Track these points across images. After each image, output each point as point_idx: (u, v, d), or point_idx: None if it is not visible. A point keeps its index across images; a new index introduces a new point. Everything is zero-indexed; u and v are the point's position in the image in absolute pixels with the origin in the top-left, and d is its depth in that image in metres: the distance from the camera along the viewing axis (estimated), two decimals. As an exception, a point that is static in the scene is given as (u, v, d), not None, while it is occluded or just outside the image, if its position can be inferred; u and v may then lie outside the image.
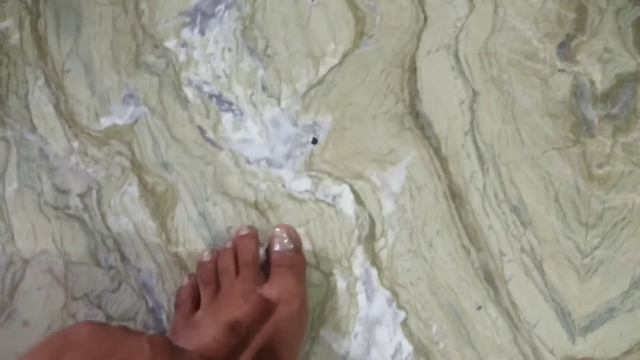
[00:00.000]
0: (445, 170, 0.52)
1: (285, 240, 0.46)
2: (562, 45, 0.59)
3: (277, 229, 0.47)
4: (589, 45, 0.60)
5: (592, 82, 0.56)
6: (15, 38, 0.53)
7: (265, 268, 0.46)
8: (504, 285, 0.49)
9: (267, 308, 0.35)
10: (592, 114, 0.55)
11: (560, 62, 0.58)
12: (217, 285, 0.44)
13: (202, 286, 0.44)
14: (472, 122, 0.54)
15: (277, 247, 0.46)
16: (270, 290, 0.43)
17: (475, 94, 0.55)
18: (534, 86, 0.57)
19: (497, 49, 0.58)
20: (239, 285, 0.43)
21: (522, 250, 0.50)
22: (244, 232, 0.46)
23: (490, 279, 0.49)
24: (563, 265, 0.50)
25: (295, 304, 0.43)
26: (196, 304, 0.44)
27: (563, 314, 0.49)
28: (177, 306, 0.45)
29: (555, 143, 0.55)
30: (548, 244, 0.51)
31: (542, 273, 0.50)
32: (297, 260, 0.46)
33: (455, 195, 0.51)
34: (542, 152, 0.54)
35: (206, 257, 0.45)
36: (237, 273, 0.44)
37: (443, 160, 0.52)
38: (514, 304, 0.49)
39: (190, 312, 0.44)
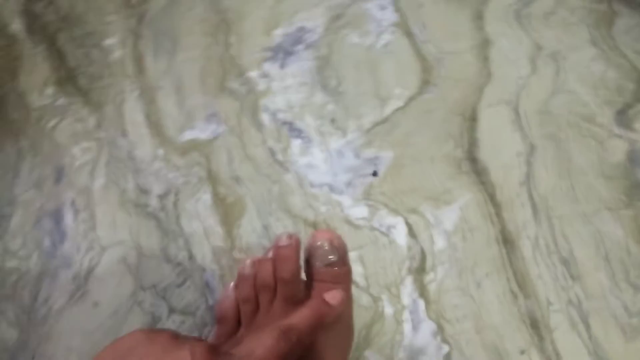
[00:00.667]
0: (499, 216, 0.54)
1: (327, 251, 0.41)
2: (620, 112, 0.62)
3: (318, 239, 0.41)
4: (647, 116, 0.62)
5: (649, 148, 0.58)
6: (117, 54, 0.59)
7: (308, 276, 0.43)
8: (549, 333, 0.49)
9: (320, 321, 0.33)
10: (648, 178, 0.56)
11: (617, 128, 0.60)
12: (257, 303, 0.41)
13: (241, 303, 0.42)
14: (528, 174, 0.56)
15: (318, 260, 0.41)
16: (325, 303, 0.38)
17: (532, 148, 0.58)
18: (590, 147, 0.59)
19: (556, 108, 0.61)
20: (277, 305, 0.40)
21: (569, 302, 0.51)
22: (283, 242, 0.40)
23: (535, 325, 0.50)
24: (609, 322, 0.50)
25: (337, 323, 0.40)
26: (237, 320, 0.42)
27: (607, 371, 0.49)
28: (218, 320, 0.43)
29: (608, 203, 0.56)
30: (595, 299, 0.51)
31: (588, 327, 0.50)
32: (340, 274, 0.41)
33: (507, 241, 0.53)
34: (595, 211, 0.55)
35: (247, 268, 0.41)
36: (275, 289, 0.40)
37: (497, 206, 0.54)
38: (557, 353, 0.49)
39: (232, 330, 0.42)
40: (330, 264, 0.40)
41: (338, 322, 0.40)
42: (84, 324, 0.47)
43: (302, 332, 0.32)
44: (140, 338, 0.30)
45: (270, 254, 0.41)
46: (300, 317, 0.33)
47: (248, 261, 0.42)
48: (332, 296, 0.38)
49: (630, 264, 0.53)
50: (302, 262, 0.41)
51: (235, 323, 0.42)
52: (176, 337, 0.31)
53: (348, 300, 0.42)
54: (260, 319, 0.40)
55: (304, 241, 0.41)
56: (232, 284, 0.43)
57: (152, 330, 0.32)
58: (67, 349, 0.46)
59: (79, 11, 0.60)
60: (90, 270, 0.49)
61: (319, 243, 0.41)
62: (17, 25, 0.59)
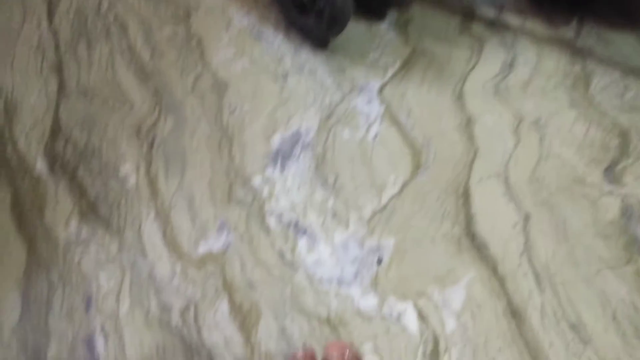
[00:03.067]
0: (504, 288, 0.56)
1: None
2: (608, 169, 0.64)
3: (331, 352, 0.42)
4: (635, 168, 0.64)
5: None
6: (132, 180, 0.65)
7: None
8: (569, 403, 0.50)
9: None
10: (642, 234, 0.58)
11: (608, 185, 0.63)
12: None
13: None
14: (526, 243, 0.59)
15: None
16: None
17: (527, 216, 0.60)
18: (584, 208, 0.61)
19: (545, 174, 0.64)
20: None
21: (584, 367, 0.52)
22: (299, 357, 0.42)
23: (553, 396, 0.51)
24: (628, 384, 0.51)
25: None
26: None
27: None
28: None
29: (609, 262, 0.58)
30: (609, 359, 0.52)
31: (607, 391, 0.51)
32: None
33: (514, 313, 0.55)
34: (596, 272, 0.57)
35: None
36: None
37: (501, 280, 0.57)
38: (580, 423, 0.50)
39: None
40: None
41: None
42: None
43: None
44: None
45: None
46: None
47: None
48: None
49: (638, 320, 0.54)
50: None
51: None
52: None
53: None
54: None
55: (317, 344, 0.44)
56: None
57: None
58: None
59: (94, 145, 0.67)
60: (123, 394, 0.52)
61: (332, 356, 0.42)
62: (40, 166, 0.65)
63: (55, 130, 0.69)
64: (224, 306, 0.56)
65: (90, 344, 0.54)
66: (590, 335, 0.54)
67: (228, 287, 0.57)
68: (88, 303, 0.56)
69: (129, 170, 0.65)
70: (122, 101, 0.72)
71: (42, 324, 0.56)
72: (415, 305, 0.56)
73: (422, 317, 0.55)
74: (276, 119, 0.69)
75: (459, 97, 0.70)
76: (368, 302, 0.56)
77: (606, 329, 0.54)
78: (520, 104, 0.69)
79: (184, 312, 0.55)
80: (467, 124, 0.68)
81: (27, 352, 0.54)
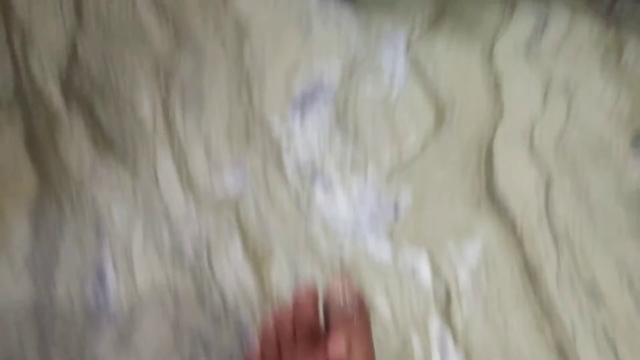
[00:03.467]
0: (521, 248, 0.55)
1: (342, 301, 0.42)
2: (635, 139, 0.63)
3: (333, 289, 0.43)
4: (663, 140, 0.63)
5: (665, 174, 0.59)
6: (149, 120, 0.64)
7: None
8: (579, 364, 0.50)
9: None
10: (666, 203, 0.57)
11: (634, 156, 0.62)
12: (280, 355, 0.42)
13: (267, 358, 0.43)
14: (546, 205, 0.58)
15: (333, 310, 0.42)
16: (332, 355, 0.40)
17: (549, 179, 0.59)
18: (608, 176, 0.60)
19: (571, 140, 0.62)
20: (299, 356, 0.41)
21: (596, 330, 0.52)
22: (302, 292, 0.42)
23: (563, 354, 0.51)
24: (637, 348, 0.51)
25: None
26: None
27: (640, 400, 0.49)
28: None
29: (629, 230, 0.57)
30: (622, 326, 0.52)
31: (616, 354, 0.50)
32: (354, 322, 0.41)
33: (530, 273, 0.54)
34: (615, 238, 0.56)
35: (270, 323, 0.43)
36: (296, 340, 0.42)
37: (518, 239, 0.56)
38: (588, 384, 0.49)
39: None
40: (345, 313, 0.41)
41: None
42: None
43: None
44: None
45: (290, 305, 0.43)
46: None
47: (270, 316, 0.44)
48: (332, 350, 0.38)
49: (656, 289, 0.54)
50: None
51: None
52: None
53: (368, 346, 0.42)
54: None
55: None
56: (258, 339, 0.46)
57: None
58: (116, 400, 0.49)
59: (112, 82, 0.65)
60: (133, 323, 0.52)
61: (334, 293, 0.42)
62: (56, 100, 0.64)
63: (73, 65, 0.68)
64: (237, 248, 0.55)
65: (101, 275, 0.54)
66: (605, 300, 0.53)
67: (242, 230, 0.56)
68: (100, 236, 0.56)
69: (146, 108, 0.64)
70: (141, 40, 0.70)
71: (53, 254, 0.56)
72: (430, 259, 0.55)
73: (435, 270, 0.55)
74: (298, 68, 0.67)
75: (488, 57, 0.68)
76: (382, 252, 0.56)
77: (621, 294, 0.53)
78: (550, 68, 0.68)
79: (197, 251, 0.55)
80: (495, 84, 0.66)
81: (37, 281, 0.54)
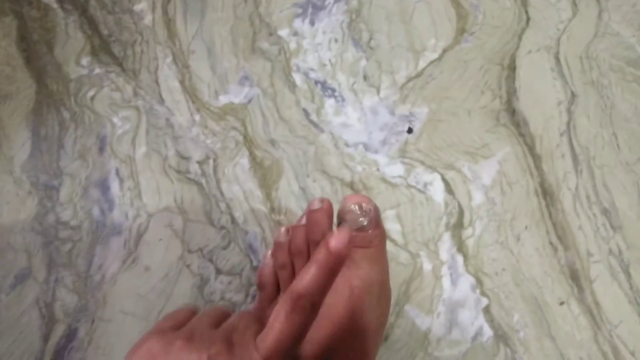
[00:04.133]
0: (538, 168, 0.53)
1: (358, 215, 0.40)
2: (668, 52, 0.59)
3: (349, 203, 0.41)
4: (698, 55, 0.59)
5: (699, 92, 0.56)
6: (148, 19, 0.59)
7: None
8: (589, 284, 0.50)
9: (328, 272, 0.31)
10: (696, 123, 0.54)
11: (665, 70, 0.58)
12: (293, 269, 0.42)
13: (278, 270, 0.43)
14: (568, 123, 0.55)
15: (349, 224, 0.40)
16: (345, 274, 0.39)
17: (573, 96, 0.56)
18: (634, 93, 0.57)
19: (598, 53, 0.58)
20: None
21: (610, 252, 0.51)
22: (315, 206, 0.40)
23: (575, 277, 0.50)
24: (652, 271, 0.50)
25: (373, 286, 0.39)
26: (277, 286, 0.43)
27: (648, 319, 0.49)
28: (259, 287, 0.44)
29: (653, 150, 0.54)
30: (637, 248, 0.51)
31: (629, 276, 0.50)
32: (372, 237, 0.40)
33: (546, 193, 0.53)
34: (637, 159, 0.54)
35: (282, 236, 0.43)
36: (309, 254, 0.41)
37: (537, 158, 0.54)
38: (597, 303, 0.49)
39: (273, 295, 0.43)
40: (362, 228, 0.40)
41: (376, 284, 0.40)
42: (137, 288, 0.50)
43: (314, 294, 0.30)
44: (155, 349, 0.31)
45: (303, 220, 0.42)
46: (308, 278, 0.31)
47: (282, 229, 0.43)
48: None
49: (674, 213, 0.52)
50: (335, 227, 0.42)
51: (274, 289, 0.43)
52: (191, 340, 0.31)
53: (383, 261, 0.42)
54: None
55: (338, 204, 0.42)
56: (269, 251, 0.44)
57: (166, 338, 0.32)
58: (123, 312, 0.49)
59: (106, -23, 0.60)
60: (139, 236, 0.51)
61: (349, 207, 0.40)
62: (47, -4, 0.59)
63: (62, -41, 0.62)
64: (244, 160, 0.53)
65: (104, 185, 0.52)
66: (621, 222, 0.52)
67: (249, 142, 0.54)
68: (102, 145, 0.53)
69: (145, 7, 0.59)
70: None
71: (53, 163, 0.53)
72: (443, 177, 0.53)
73: (449, 188, 0.53)
74: (309, -35, 0.61)
75: (517, -43, 0.62)
76: (394, 169, 0.53)
77: (638, 217, 0.52)
78: (583, -28, 0.62)
79: (202, 162, 0.53)
80: (522, -11, 0.60)
81: (38, 190, 0.53)
